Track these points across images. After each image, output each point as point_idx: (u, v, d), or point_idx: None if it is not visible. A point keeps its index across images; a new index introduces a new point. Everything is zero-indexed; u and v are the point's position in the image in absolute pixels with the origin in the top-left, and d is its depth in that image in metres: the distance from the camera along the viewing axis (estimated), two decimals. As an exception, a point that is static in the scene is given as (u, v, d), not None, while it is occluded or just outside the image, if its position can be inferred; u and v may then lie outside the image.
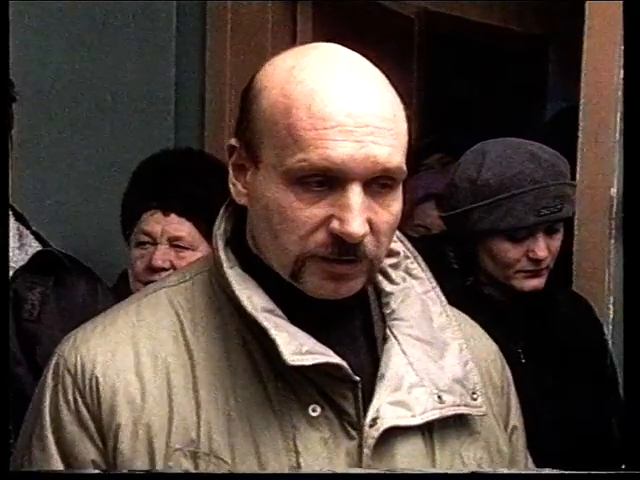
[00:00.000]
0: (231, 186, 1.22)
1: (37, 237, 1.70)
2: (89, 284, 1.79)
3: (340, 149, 1.11)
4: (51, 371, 1.22)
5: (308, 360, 1.14)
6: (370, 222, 1.14)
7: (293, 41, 2.91)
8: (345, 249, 1.14)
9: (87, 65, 2.74)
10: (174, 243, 2.10)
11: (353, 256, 1.14)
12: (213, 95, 2.96)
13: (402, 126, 1.16)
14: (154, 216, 2.11)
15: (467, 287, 2.00)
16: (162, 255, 2.08)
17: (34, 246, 1.67)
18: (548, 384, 1.98)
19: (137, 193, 2.14)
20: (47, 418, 1.20)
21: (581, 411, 2.00)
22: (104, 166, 2.32)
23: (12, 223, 1.67)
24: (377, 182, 1.14)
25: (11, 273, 1.61)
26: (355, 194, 1.12)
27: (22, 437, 1.25)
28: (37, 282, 1.65)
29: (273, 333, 1.15)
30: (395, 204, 1.17)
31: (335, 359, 1.16)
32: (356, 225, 1.12)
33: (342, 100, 1.12)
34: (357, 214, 1.12)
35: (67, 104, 2.69)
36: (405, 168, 1.16)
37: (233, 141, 1.21)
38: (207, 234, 2.08)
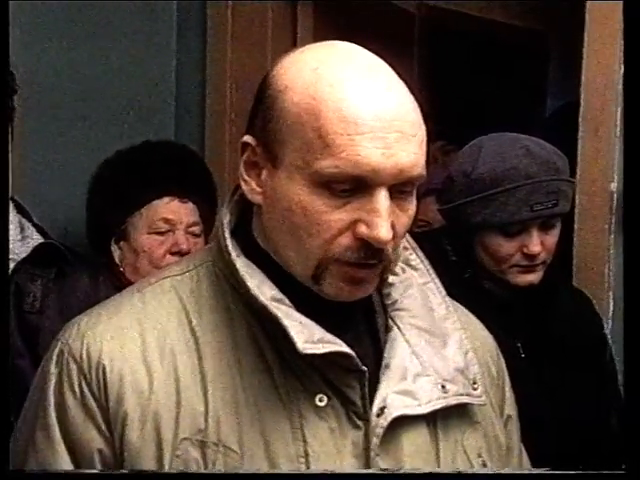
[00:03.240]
0: (243, 183, 1.20)
1: (39, 230, 1.70)
2: (91, 276, 1.80)
3: (372, 157, 1.11)
4: (54, 359, 1.20)
5: (320, 349, 1.14)
6: (392, 226, 1.15)
7: (294, 39, 2.91)
8: (370, 253, 1.14)
9: (88, 61, 2.74)
10: (189, 230, 2.16)
11: (377, 260, 1.15)
12: (214, 94, 2.95)
13: (424, 130, 1.17)
14: (171, 204, 2.15)
15: (466, 280, 1.99)
16: (186, 240, 2.14)
17: (36, 238, 1.67)
18: (547, 379, 1.97)
19: (140, 182, 2.15)
20: (52, 407, 1.19)
21: (580, 406, 2.00)
22: (105, 160, 2.34)
23: (14, 216, 1.67)
24: (398, 187, 1.15)
25: (13, 265, 1.61)
26: (383, 199, 1.12)
27: (24, 428, 1.23)
28: (39, 274, 1.65)
29: (285, 322, 1.14)
30: (412, 207, 1.18)
31: (346, 348, 1.16)
32: (384, 229, 1.12)
33: (373, 106, 1.12)
34: (385, 219, 1.12)
35: (68, 99, 2.69)
36: (425, 173, 1.16)
37: (249, 139, 1.19)
38: (207, 222, 2.15)
